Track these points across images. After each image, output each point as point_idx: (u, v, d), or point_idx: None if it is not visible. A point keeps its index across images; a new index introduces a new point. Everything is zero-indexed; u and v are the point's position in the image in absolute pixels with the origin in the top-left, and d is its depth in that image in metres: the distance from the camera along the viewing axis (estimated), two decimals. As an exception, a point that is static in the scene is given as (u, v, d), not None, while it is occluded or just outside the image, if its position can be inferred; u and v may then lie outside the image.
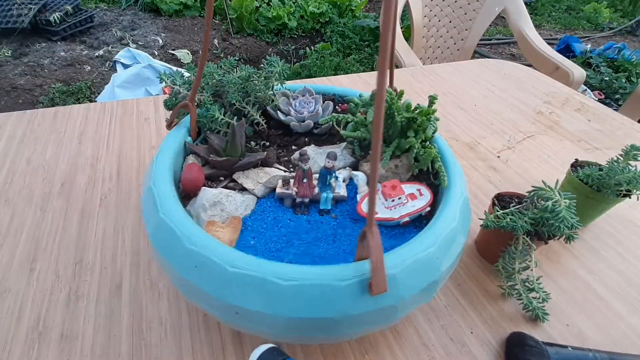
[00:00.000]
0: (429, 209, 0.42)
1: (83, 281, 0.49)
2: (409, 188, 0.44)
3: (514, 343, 0.44)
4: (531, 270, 0.47)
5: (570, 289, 0.52)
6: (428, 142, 0.46)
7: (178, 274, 0.34)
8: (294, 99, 0.55)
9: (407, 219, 0.42)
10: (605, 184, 0.53)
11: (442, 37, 1.66)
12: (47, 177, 0.64)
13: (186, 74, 0.53)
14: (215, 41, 2.77)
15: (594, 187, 0.54)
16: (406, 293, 0.34)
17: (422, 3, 1.55)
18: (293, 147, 0.51)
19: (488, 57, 1.20)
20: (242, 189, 0.45)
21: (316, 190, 0.43)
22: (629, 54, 2.65)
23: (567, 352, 0.43)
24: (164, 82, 0.50)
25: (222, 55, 2.64)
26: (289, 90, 0.56)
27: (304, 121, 0.52)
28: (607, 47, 2.78)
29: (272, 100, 0.53)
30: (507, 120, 0.86)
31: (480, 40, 1.67)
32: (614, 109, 0.95)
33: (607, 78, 2.44)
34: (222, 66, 0.53)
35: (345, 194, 0.44)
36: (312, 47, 2.77)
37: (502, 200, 0.53)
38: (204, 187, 0.43)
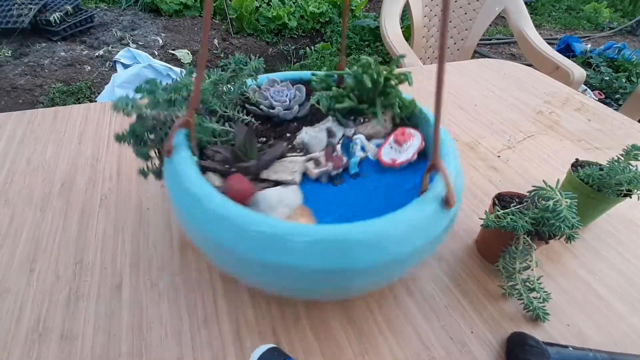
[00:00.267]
0: (423, 143, 0.49)
1: (83, 281, 0.49)
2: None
3: (514, 343, 0.44)
4: (532, 270, 0.47)
5: (570, 288, 0.52)
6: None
7: (210, 236, 0.37)
8: (266, 91, 0.55)
9: (415, 157, 0.47)
10: (605, 183, 0.53)
11: (442, 37, 1.66)
12: (47, 177, 0.64)
13: (137, 96, 0.47)
14: (215, 41, 2.77)
15: (595, 187, 0.54)
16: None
17: (422, 3, 1.55)
18: (287, 135, 0.53)
19: (488, 57, 1.20)
20: (277, 184, 0.46)
21: (344, 159, 0.48)
22: (629, 54, 2.65)
23: (568, 352, 0.43)
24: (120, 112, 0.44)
25: (222, 55, 2.64)
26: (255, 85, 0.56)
27: (291, 108, 0.53)
28: (607, 47, 2.78)
29: (248, 98, 0.53)
30: (507, 120, 0.86)
31: (480, 40, 1.67)
32: (614, 109, 0.95)
33: (607, 78, 2.44)
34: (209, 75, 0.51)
35: (365, 155, 0.49)
36: (312, 47, 2.77)
37: (502, 200, 0.53)
38: (258, 192, 0.42)
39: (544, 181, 0.45)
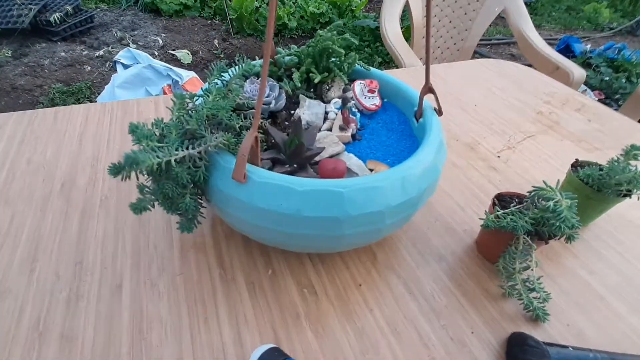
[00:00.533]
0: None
1: (83, 281, 0.49)
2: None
3: (514, 343, 0.44)
4: (532, 270, 0.47)
5: (570, 289, 0.52)
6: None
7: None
8: (246, 90, 0.56)
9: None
10: (605, 183, 0.53)
11: (442, 37, 1.66)
12: (47, 178, 0.64)
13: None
14: (215, 41, 2.77)
15: (595, 187, 0.54)
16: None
17: (422, 3, 1.55)
18: (286, 123, 0.58)
19: (488, 57, 1.20)
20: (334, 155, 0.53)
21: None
22: (629, 54, 2.65)
23: (568, 352, 0.43)
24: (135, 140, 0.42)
25: (222, 55, 2.65)
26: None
27: (269, 103, 0.56)
28: (607, 47, 2.78)
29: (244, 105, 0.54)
30: (507, 120, 0.86)
31: (480, 40, 1.67)
32: (614, 109, 0.95)
33: (607, 78, 2.44)
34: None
35: (357, 110, 0.61)
36: (312, 48, 2.76)
37: (502, 200, 0.53)
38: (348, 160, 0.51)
39: (544, 181, 0.45)
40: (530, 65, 1.18)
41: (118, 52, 2.23)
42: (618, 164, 0.52)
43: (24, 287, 0.48)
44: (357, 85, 0.60)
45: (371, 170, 0.51)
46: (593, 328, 0.48)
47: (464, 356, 0.44)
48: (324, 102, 0.61)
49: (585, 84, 2.37)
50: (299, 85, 0.59)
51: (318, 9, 2.95)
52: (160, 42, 2.69)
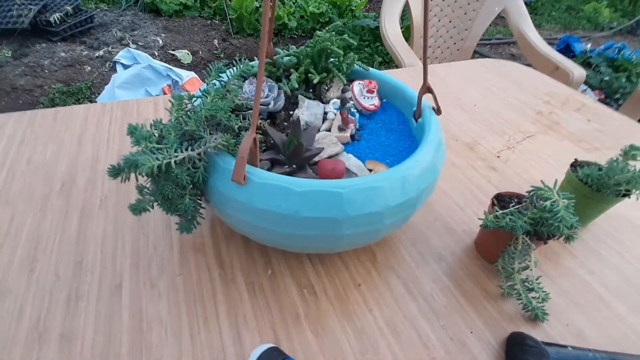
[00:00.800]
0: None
1: (83, 281, 0.49)
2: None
3: (513, 343, 0.45)
4: (531, 270, 0.47)
5: (569, 288, 0.52)
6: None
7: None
8: (245, 91, 0.56)
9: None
10: (604, 183, 0.53)
11: (442, 37, 1.66)
12: (47, 178, 0.64)
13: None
14: (215, 41, 2.77)
15: (594, 187, 0.54)
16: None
17: (422, 3, 1.55)
18: (285, 123, 0.58)
19: (488, 57, 1.20)
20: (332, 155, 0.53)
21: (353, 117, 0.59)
22: (629, 54, 2.65)
23: (567, 352, 0.43)
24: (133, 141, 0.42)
25: (222, 55, 2.65)
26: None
27: (268, 104, 0.56)
28: (607, 46, 2.78)
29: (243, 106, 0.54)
30: (507, 120, 0.86)
31: (480, 40, 1.67)
32: (614, 109, 0.95)
33: (607, 78, 2.44)
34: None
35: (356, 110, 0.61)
36: (312, 47, 2.76)
37: (501, 200, 0.53)
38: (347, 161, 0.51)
39: (542, 181, 0.45)
40: (530, 65, 1.18)
41: (118, 52, 2.23)
42: (617, 164, 0.52)
43: (24, 287, 0.48)
44: (356, 86, 0.60)
45: (370, 170, 0.51)
46: (592, 328, 0.48)
47: (464, 356, 0.44)
48: (322, 103, 0.61)
49: (585, 83, 2.37)
50: (297, 86, 0.59)
51: (318, 9, 2.95)
52: (160, 42, 2.69)
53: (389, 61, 2.65)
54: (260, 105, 0.54)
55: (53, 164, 0.67)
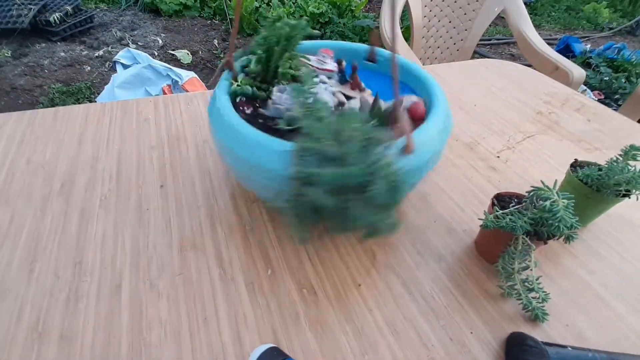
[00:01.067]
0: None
1: (83, 281, 0.49)
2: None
3: (513, 343, 0.45)
4: (531, 270, 0.47)
5: (569, 289, 0.52)
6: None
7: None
8: (278, 99, 0.56)
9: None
10: (604, 184, 0.53)
11: (442, 37, 1.66)
12: (47, 178, 0.64)
13: None
14: (215, 41, 2.77)
15: (594, 187, 0.54)
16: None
17: (422, 3, 1.56)
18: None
19: (488, 57, 1.20)
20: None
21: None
22: (629, 54, 2.65)
23: (567, 352, 0.43)
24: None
25: (222, 55, 2.65)
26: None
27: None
28: (606, 47, 2.78)
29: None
30: (507, 120, 0.86)
31: (480, 40, 1.68)
32: (614, 109, 0.95)
33: (607, 78, 2.44)
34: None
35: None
36: (312, 48, 2.76)
37: (501, 200, 0.53)
38: None
39: (542, 181, 0.45)
40: (530, 66, 1.18)
41: (118, 52, 2.23)
42: (617, 164, 0.52)
43: (24, 287, 0.48)
44: (313, 58, 0.62)
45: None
46: (592, 328, 0.48)
47: (464, 356, 0.44)
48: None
49: (585, 84, 2.37)
50: (255, 67, 0.57)
51: (318, 9, 2.95)
52: (160, 42, 2.69)
53: (388, 61, 2.64)
54: (282, 108, 0.54)
55: (53, 164, 0.66)
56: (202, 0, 3.17)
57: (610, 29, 3.46)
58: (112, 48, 2.54)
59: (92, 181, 0.64)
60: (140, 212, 0.58)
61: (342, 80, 0.61)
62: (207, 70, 2.49)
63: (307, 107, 0.46)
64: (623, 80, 2.42)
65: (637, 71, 2.55)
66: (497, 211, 0.48)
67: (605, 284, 0.53)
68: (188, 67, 2.46)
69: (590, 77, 2.46)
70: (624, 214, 0.63)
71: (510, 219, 0.46)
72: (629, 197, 0.53)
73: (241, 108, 0.54)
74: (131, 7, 3.11)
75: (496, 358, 0.44)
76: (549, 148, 0.78)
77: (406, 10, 1.54)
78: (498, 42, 3.15)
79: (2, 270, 0.50)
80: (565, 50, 2.83)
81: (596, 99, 2.26)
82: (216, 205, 0.61)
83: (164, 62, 2.21)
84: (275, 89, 0.56)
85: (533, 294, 0.48)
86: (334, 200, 0.39)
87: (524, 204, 0.48)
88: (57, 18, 2.51)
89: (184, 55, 2.56)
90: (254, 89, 0.55)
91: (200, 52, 2.65)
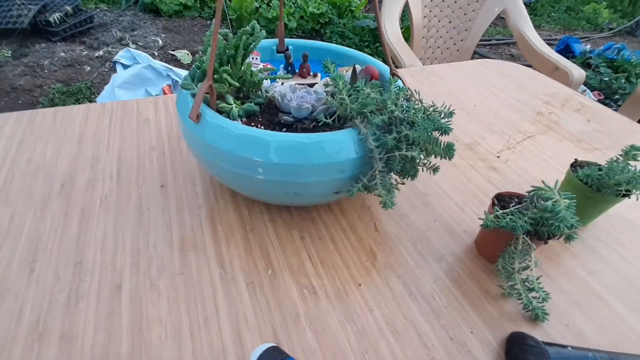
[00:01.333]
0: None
1: (83, 282, 0.49)
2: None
3: (514, 343, 0.45)
4: (531, 270, 0.47)
5: (570, 288, 0.52)
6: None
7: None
8: (290, 98, 0.56)
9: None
10: (604, 184, 0.53)
11: (442, 38, 1.66)
12: (47, 177, 0.64)
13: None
14: (215, 42, 2.76)
15: (594, 187, 0.54)
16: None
17: (422, 3, 1.56)
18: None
19: (488, 58, 1.20)
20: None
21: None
22: (629, 55, 2.66)
23: (567, 351, 0.43)
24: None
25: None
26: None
27: (315, 110, 0.57)
28: (606, 47, 2.79)
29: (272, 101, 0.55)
30: (507, 121, 0.86)
31: (480, 40, 1.68)
32: (614, 110, 0.95)
33: (607, 78, 2.45)
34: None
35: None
36: (312, 48, 2.76)
37: (501, 200, 0.53)
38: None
39: (542, 181, 0.45)
40: (529, 66, 1.18)
41: (118, 52, 2.23)
42: (617, 164, 0.53)
43: (24, 288, 0.48)
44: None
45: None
46: (592, 328, 0.48)
47: (464, 356, 0.44)
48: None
49: (585, 84, 2.38)
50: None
51: (318, 10, 2.96)
52: (160, 42, 2.69)
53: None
54: (305, 106, 0.54)
55: (53, 164, 0.66)
56: (202, 0, 3.17)
57: (610, 29, 3.47)
58: (112, 48, 2.54)
59: (92, 181, 0.64)
60: (141, 212, 0.58)
61: (292, 72, 0.65)
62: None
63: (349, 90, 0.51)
64: (623, 81, 2.43)
65: (636, 71, 2.56)
66: (498, 211, 0.48)
67: (605, 284, 0.53)
68: (188, 67, 2.46)
69: (590, 77, 2.46)
70: (624, 214, 0.63)
71: (510, 219, 0.46)
72: (629, 197, 0.53)
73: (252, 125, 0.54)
74: (131, 8, 3.11)
75: (496, 358, 0.44)
76: (549, 148, 0.78)
77: (406, 10, 1.54)
78: (498, 43, 3.16)
79: (2, 270, 0.50)
80: (565, 50, 2.83)
81: (596, 99, 2.26)
82: (216, 205, 0.61)
83: (164, 62, 2.21)
84: (278, 91, 0.56)
85: (533, 294, 0.48)
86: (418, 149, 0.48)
87: (524, 203, 0.48)
88: (57, 18, 2.51)
89: (184, 55, 2.56)
90: (251, 104, 0.54)
91: (200, 52, 2.65)
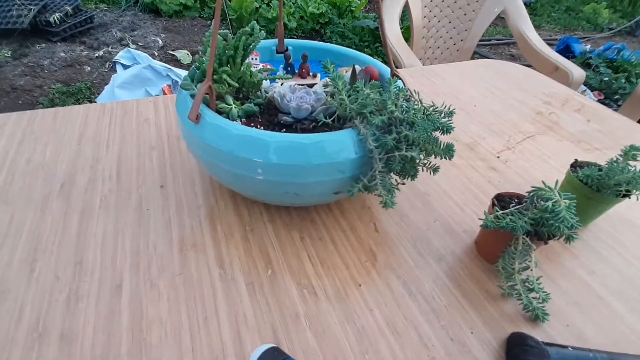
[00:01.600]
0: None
1: (83, 282, 0.49)
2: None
3: (514, 343, 0.44)
4: (531, 270, 0.47)
5: (570, 289, 0.52)
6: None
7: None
8: (290, 99, 0.55)
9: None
10: (604, 184, 0.53)
11: (442, 38, 1.66)
12: (47, 177, 0.64)
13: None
14: (215, 42, 2.76)
15: (594, 188, 0.54)
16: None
17: (422, 3, 1.56)
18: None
19: (488, 58, 1.20)
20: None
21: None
22: (629, 55, 2.66)
23: (567, 352, 0.43)
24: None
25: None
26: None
27: (315, 110, 0.56)
28: (606, 47, 2.79)
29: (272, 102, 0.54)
30: (507, 121, 0.86)
31: (480, 40, 1.68)
32: (614, 110, 0.95)
33: (607, 78, 2.45)
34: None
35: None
36: (312, 48, 2.76)
37: (501, 200, 0.53)
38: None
39: (542, 182, 0.45)
40: (529, 66, 1.19)
41: (118, 52, 2.23)
42: (617, 164, 0.53)
43: (24, 288, 0.48)
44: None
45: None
46: (593, 328, 0.48)
47: (464, 356, 0.44)
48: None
49: (585, 84, 2.38)
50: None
51: (318, 10, 2.96)
52: (160, 42, 2.69)
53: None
54: (305, 107, 0.54)
55: (53, 164, 0.66)
56: (202, 0, 3.17)
57: (610, 29, 3.47)
58: (112, 48, 2.54)
59: (92, 181, 0.64)
60: (141, 212, 0.58)
61: (292, 73, 0.65)
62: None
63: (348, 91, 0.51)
64: (623, 81, 2.43)
65: (636, 71, 2.56)
66: (498, 211, 0.48)
67: (605, 284, 0.53)
68: (188, 67, 2.46)
69: (590, 77, 2.46)
70: (624, 214, 0.63)
71: (510, 219, 0.46)
72: (629, 197, 0.53)
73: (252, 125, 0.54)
74: (131, 8, 3.11)
75: (497, 358, 0.44)
76: (549, 148, 0.78)
77: (406, 10, 1.54)
78: (498, 43, 3.16)
79: (2, 270, 0.50)
80: (565, 50, 2.83)
81: (596, 99, 2.26)
82: (216, 206, 0.61)
83: (164, 62, 2.21)
84: (277, 92, 0.56)
85: (533, 294, 0.48)
86: (418, 149, 0.49)
87: (524, 204, 0.48)
88: (57, 18, 2.51)
89: (184, 55, 2.56)
90: (251, 104, 0.54)
91: (200, 52, 2.65)
